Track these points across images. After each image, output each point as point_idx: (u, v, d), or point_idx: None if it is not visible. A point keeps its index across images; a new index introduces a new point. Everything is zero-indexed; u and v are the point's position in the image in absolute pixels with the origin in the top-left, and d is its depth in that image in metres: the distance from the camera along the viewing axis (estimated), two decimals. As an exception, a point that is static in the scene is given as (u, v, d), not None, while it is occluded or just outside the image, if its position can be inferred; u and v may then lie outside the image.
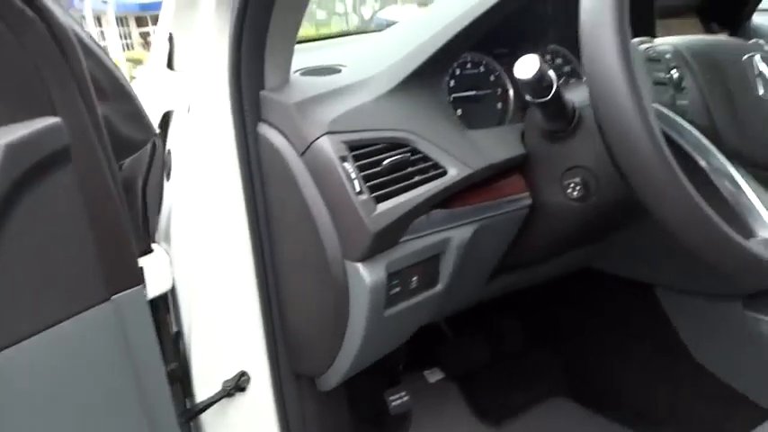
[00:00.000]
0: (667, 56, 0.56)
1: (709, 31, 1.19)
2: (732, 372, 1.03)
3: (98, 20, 10.27)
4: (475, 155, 0.69)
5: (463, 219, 0.69)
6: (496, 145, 0.72)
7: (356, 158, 0.62)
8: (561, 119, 0.66)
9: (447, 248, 0.69)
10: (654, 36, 0.98)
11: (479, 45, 0.83)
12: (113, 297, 0.53)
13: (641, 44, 0.56)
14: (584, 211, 0.71)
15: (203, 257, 0.69)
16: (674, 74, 0.55)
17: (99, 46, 0.55)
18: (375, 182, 0.62)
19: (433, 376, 1.24)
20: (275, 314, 0.73)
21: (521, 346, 1.34)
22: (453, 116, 0.76)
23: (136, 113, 0.60)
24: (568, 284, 1.13)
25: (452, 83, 0.82)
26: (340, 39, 1.03)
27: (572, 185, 0.69)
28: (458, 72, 0.82)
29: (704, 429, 1.06)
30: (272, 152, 0.65)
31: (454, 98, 0.81)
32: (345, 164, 0.60)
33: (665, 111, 0.54)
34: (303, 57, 0.89)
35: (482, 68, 0.85)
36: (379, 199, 0.61)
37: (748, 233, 0.56)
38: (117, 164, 0.55)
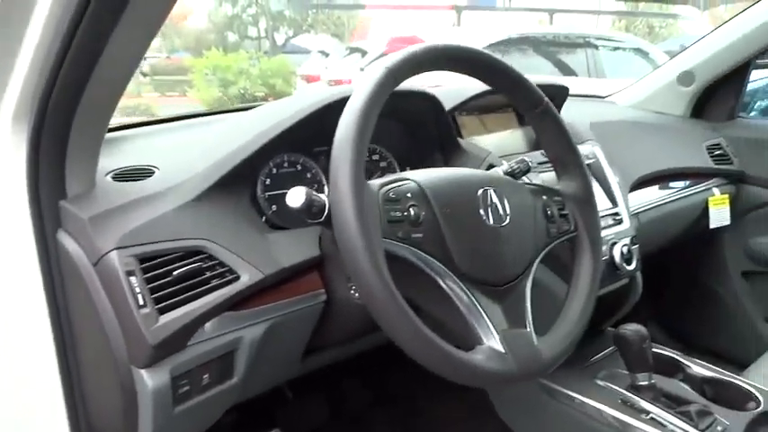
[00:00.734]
0: (408, 194, 0.67)
1: (522, 123, 1.36)
2: (526, 428, 1.17)
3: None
4: (269, 260, 0.77)
5: (254, 319, 0.76)
6: (295, 247, 0.80)
7: (145, 270, 0.67)
8: None
9: (239, 346, 0.75)
10: (460, 135, 1.12)
11: (296, 145, 0.92)
12: None
13: (383, 186, 0.67)
14: (363, 310, 0.80)
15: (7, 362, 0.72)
16: (412, 211, 0.66)
17: None
18: (162, 293, 0.67)
19: None
20: (81, 412, 0.76)
21: (364, 406, 1.43)
22: (257, 219, 0.84)
23: None
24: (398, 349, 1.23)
25: (268, 181, 0.89)
26: (172, 123, 1.07)
27: (353, 287, 0.78)
28: (274, 171, 0.90)
29: None
30: (69, 260, 0.69)
31: (269, 196, 0.89)
32: (131, 278, 0.66)
33: (401, 244, 0.65)
34: (129, 146, 0.94)
35: (299, 167, 0.93)
36: (164, 310, 0.67)
37: (477, 341, 0.68)
38: None
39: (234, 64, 8.31)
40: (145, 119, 1.07)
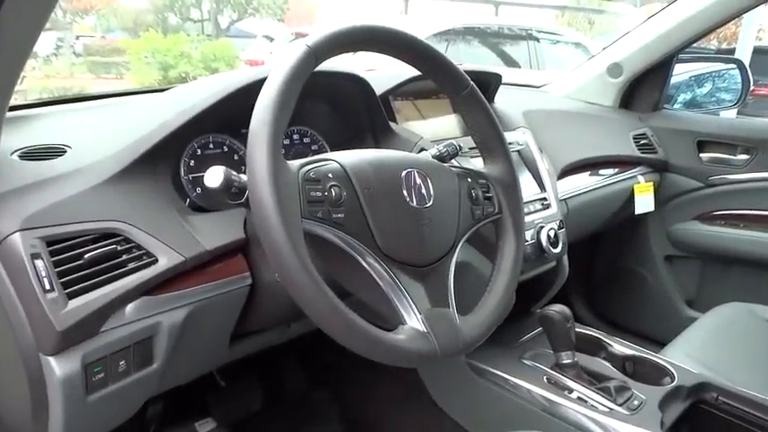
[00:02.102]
0: (329, 175, 0.66)
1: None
2: (460, 410, 1.20)
3: None
4: (190, 242, 0.74)
5: (174, 303, 0.73)
6: (218, 229, 0.78)
7: (53, 253, 0.64)
8: None
9: (158, 332, 0.73)
10: (395, 121, 1.12)
11: (222, 126, 0.89)
12: None
13: (303, 166, 0.66)
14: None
15: None
16: (333, 191, 0.65)
17: None
18: (71, 277, 0.64)
19: (205, 427, 1.27)
20: None
21: (302, 388, 1.42)
22: (178, 201, 0.81)
23: None
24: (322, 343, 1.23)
25: (192, 162, 0.87)
26: (84, 103, 1.02)
27: (279, 270, 0.77)
28: (198, 152, 0.88)
29: None
30: None
31: (193, 178, 0.86)
32: (37, 261, 0.62)
33: (321, 224, 0.64)
34: (38, 124, 0.89)
35: (225, 148, 0.91)
36: (73, 295, 0.64)
37: (399, 321, 0.68)
38: None
39: (174, 47, 8.03)
40: (57, 97, 1.01)
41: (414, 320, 0.68)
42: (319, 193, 0.64)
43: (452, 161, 0.89)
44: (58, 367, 0.64)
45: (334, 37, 0.67)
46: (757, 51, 4.75)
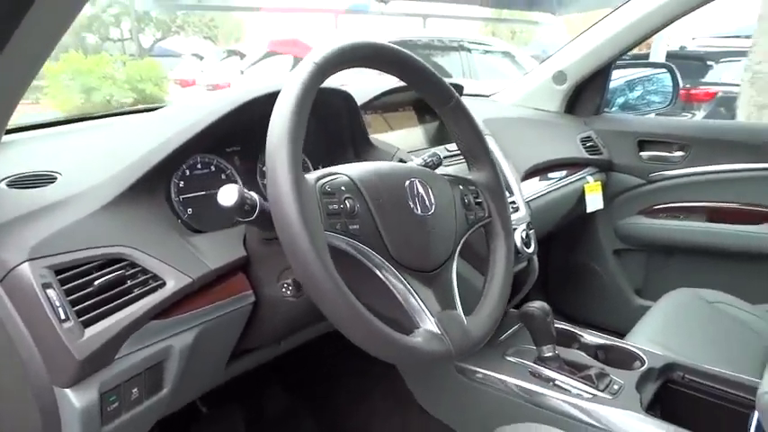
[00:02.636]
0: (342, 188, 0.68)
1: (422, 121, 1.42)
2: (446, 412, 1.23)
3: None
4: (195, 263, 0.74)
5: (184, 326, 0.73)
6: (219, 249, 0.79)
7: (63, 282, 0.63)
8: (271, 228, 0.75)
9: (169, 356, 0.72)
10: (366, 134, 1.15)
11: (208, 146, 0.89)
12: None
13: (318, 180, 0.68)
14: (299, 305, 0.80)
15: None
16: (347, 203, 0.68)
17: None
18: (84, 305, 0.63)
19: None
20: None
21: (284, 407, 1.41)
22: (176, 222, 0.81)
23: None
24: (317, 347, 1.24)
25: (182, 184, 0.86)
26: (68, 126, 1.00)
27: (285, 285, 0.78)
28: (188, 173, 0.87)
29: None
30: None
31: (184, 199, 0.86)
32: (49, 291, 0.61)
33: (340, 236, 0.66)
34: (23, 150, 0.86)
35: (213, 168, 0.91)
36: (88, 323, 0.63)
37: (414, 325, 0.71)
38: None
39: (96, 68, 7.70)
40: (39, 122, 0.98)
41: (428, 323, 0.71)
42: (336, 206, 0.66)
43: (437, 170, 0.93)
44: (76, 399, 0.62)
45: (341, 53, 0.69)
46: (670, 56, 5.13)
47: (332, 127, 1.04)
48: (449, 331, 0.71)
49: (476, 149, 0.89)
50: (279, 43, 6.63)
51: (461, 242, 0.82)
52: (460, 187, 0.85)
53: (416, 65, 0.80)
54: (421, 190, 0.77)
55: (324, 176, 0.69)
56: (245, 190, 0.67)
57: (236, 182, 0.92)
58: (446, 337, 0.70)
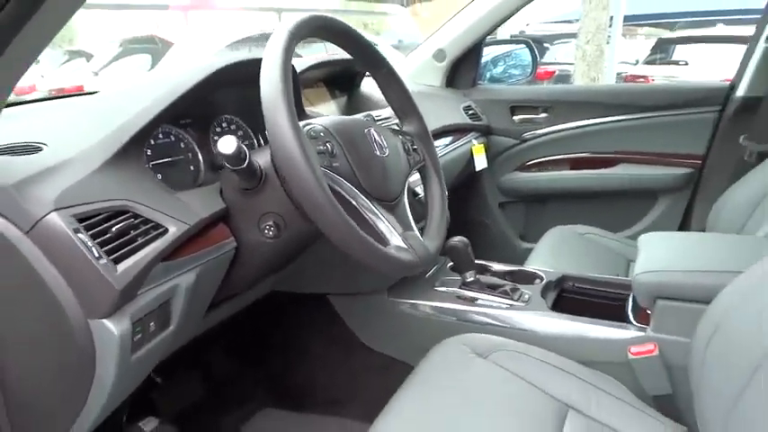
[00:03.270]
0: (321, 133, 0.82)
1: (333, 96, 1.57)
2: (385, 343, 1.40)
3: None
4: (187, 212, 0.83)
5: (187, 266, 0.82)
6: (203, 201, 0.88)
7: (87, 228, 0.70)
8: (253, 179, 0.86)
9: (176, 293, 0.81)
10: (302, 104, 1.28)
11: (169, 118, 0.97)
12: None
13: (304, 126, 0.80)
14: (277, 245, 0.92)
15: None
16: (328, 146, 0.81)
17: None
18: (108, 247, 0.70)
19: (149, 425, 1.28)
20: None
21: (228, 371, 1.49)
22: (158, 181, 0.88)
23: None
24: (261, 309, 1.34)
25: (149, 152, 0.93)
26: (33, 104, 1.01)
27: (267, 227, 0.89)
28: (152, 142, 0.94)
29: (378, 396, 1.41)
30: None
31: (153, 165, 0.93)
32: (80, 234, 0.68)
33: (328, 171, 0.80)
34: (4, 124, 0.88)
35: (172, 137, 0.99)
36: (117, 261, 0.70)
37: (386, 243, 0.87)
38: None
39: None
40: (14, 100, 0.98)
41: (396, 240, 0.87)
42: (321, 147, 0.80)
43: None
44: (114, 327, 0.70)
45: (306, 23, 0.82)
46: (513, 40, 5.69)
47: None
48: (413, 246, 0.88)
49: (406, 106, 1.06)
50: (132, 40, 6.31)
51: (407, 180, 0.99)
52: (400, 137, 1.02)
53: (358, 36, 0.95)
54: (377, 137, 0.92)
55: (307, 125, 0.81)
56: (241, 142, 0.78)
57: (193, 150, 1.01)
58: (412, 249, 0.87)
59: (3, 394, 0.74)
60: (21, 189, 0.68)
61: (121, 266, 0.70)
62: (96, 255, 0.68)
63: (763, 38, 1.78)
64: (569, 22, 5.77)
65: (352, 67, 1.56)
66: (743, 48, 1.90)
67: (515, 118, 2.10)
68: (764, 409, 0.65)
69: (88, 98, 1.04)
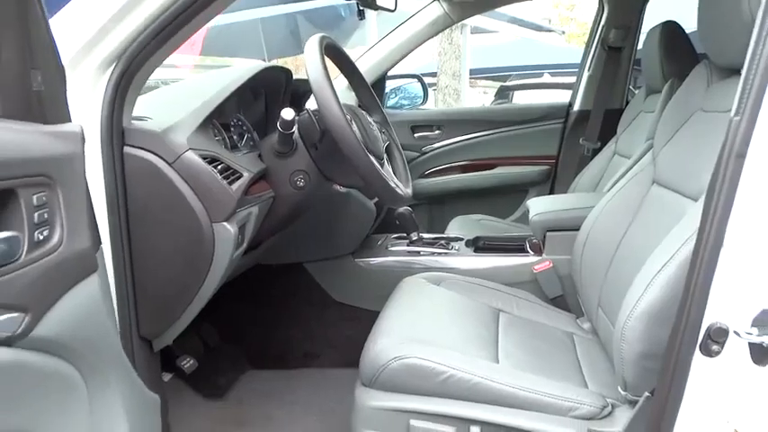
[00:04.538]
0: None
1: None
2: (353, 296, 1.77)
3: None
4: (250, 166, 1.18)
5: (255, 201, 1.16)
6: (253, 162, 1.22)
7: (208, 163, 1.02)
8: (288, 143, 1.23)
9: (249, 219, 1.14)
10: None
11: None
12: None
13: None
14: (299, 196, 1.28)
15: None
16: (351, 120, 1.21)
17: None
18: (222, 175, 1.04)
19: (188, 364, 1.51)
20: (129, 289, 1.00)
21: (217, 341, 1.76)
22: (222, 144, 1.22)
23: None
24: (246, 282, 1.64)
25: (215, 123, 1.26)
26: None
27: (298, 179, 1.26)
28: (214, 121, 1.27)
29: (350, 344, 1.75)
30: (142, 164, 0.97)
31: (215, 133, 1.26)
32: (210, 165, 1.01)
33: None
34: None
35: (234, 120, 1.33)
36: (230, 184, 1.04)
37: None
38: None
39: None
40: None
41: (392, 182, 1.28)
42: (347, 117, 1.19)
43: None
44: (230, 227, 1.03)
45: (324, 37, 1.22)
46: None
47: (274, 99, 1.52)
48: (399, 186, 1.29)
49: (372, 104, 1.50)
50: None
51: (384, 148, 1.41)
52: (371, 123, 1.45)
53: (343, 52, 1.37)
54: (368, 118, 1.34)
55: None
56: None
57: (250, 132, 1.35)
58: (400, 188, 1.29)
59: (134, 292, 1.01)
60: (166, 134, 0.99)
61: (234, 186, 1.04)
62: (220, 178, 1.01)
63: (585, 70, 2.50)
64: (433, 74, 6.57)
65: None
66: (566, 92, 2.60)
67: (416, 135, 2.61)
68: (618, 283, 1.14)
69: (166, 87, 1.34)
